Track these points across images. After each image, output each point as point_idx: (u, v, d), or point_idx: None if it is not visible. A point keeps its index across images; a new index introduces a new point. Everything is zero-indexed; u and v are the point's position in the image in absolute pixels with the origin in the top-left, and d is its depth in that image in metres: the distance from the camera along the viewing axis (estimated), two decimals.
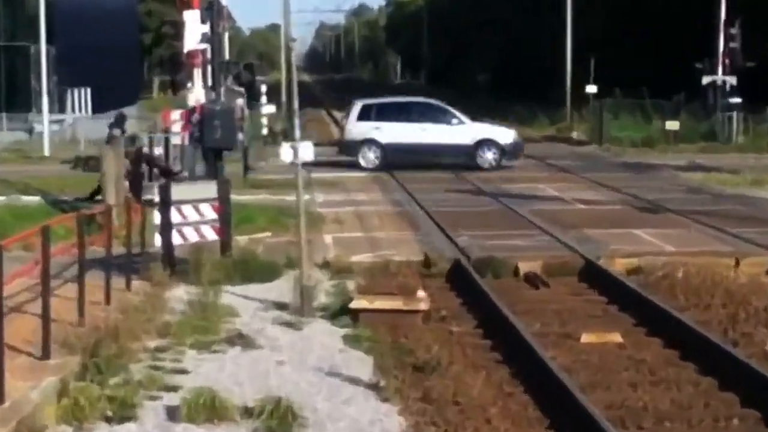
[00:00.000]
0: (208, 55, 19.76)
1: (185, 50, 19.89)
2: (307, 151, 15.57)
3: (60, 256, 13.80)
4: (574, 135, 50.35)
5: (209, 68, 19.92)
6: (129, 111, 67.38)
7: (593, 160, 38.96)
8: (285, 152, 15.67)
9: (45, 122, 44.16)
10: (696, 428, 9.98)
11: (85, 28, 64.61)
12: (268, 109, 43.58)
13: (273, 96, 49.28)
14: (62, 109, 51.89)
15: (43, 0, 44.63)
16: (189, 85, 19.75)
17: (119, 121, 27.93)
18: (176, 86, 21.48)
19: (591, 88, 50.77)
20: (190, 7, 19.44)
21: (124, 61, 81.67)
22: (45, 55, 45.06)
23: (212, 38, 19.73)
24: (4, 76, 55.96)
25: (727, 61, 44.96)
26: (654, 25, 62.92)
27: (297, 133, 15.59)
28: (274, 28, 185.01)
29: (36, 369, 10.42)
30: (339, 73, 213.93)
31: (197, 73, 19.85)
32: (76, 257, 13.73)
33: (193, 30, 19.59)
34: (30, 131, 48.92)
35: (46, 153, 41.58)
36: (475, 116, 65.48)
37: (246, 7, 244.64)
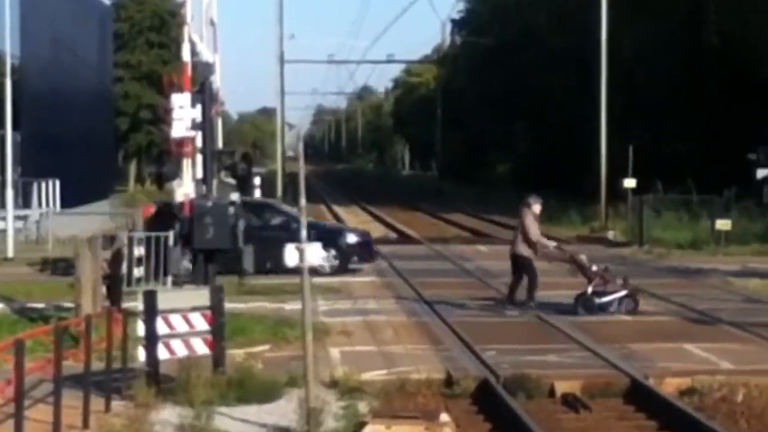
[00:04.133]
0: (199, 143, 19.87)
1: (173, 138, 20.02)
2: (315, 253, 15.59)
3: (31, 373, 13.74)
4: (611, 235, 50.39)
5: (199, 158, 20.05)
6: (101, 206, 68.20)
7: (633, 264, 38.91)
8: (290, 255, 15.66)
9: (9, 219, 44.08)
10: None
11: (54, 113, 65.17)
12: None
13: (266, 189, 49.47)
14: (27, 204, 51.89)
15: (9, 81, 45.14)
16: (177, 179, 19.91)
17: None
18: (162, 179, 21.59)
19: (629, 182, 50.65)
20: (180, 90, 19.58)
21: (97, 150, 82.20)
22: (12, 142, 45.43)
23: (204, 125, 19.82)
24: None
25: None
26: (700, 110, 63.43)
27: (303, 233, 15.59)
28: (265, 112, 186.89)
29: None
30: (339, 162, 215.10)
31: (186, 164, 19.95)
32: (46, 373, 13.72)
33: (183, 115, 19.70)
34: None
35: (10, 254, 41.64)
36: (491, 212, 65.77)
37: (234, 89, 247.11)
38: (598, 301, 25.39)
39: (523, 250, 26.00)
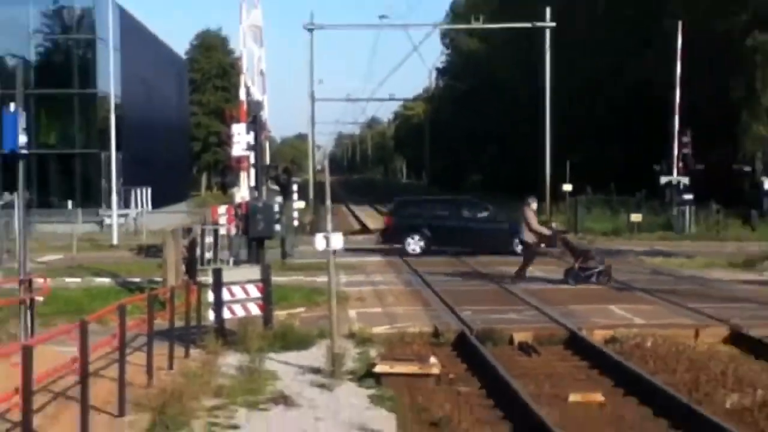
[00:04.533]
0: (252, 160, 19.92)
1: (233, 156, 20.07)
2: (337, 240, 15.63)
3: (131, 329, 13.77)
4: (554, 225, 49.79)
5: (252, 171, 20.09)
6: (180, 207, 68.33)
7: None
8: (319, 241, 15.69)
9: (114, 216, 44.39)
10: None
11: (146, 138, 65.32)
12: (298, 204, 43.68)
13: (301, 193, 49.39)
14: (127, 205, 52.22)
15: (113, 115, 45.26)
16: (236, 186, 19.96)
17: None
18: (225, 186, 21.62)
19: (567, 187, 50.76)
20: (238, 120, 19.66)
21: (177, 165, 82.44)
22: (116, 161, 45.65)
23: (255, 146, 19.85)
24: (79, 178, 56.80)
25: (680, 164, 45.49)
26: (620, 133, 63.36)
27: (329, 225, 15.62)
28: (301, 137, 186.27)
29: (114, 426, 10.36)
30: (354, 174, 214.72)
31: (243, 176, 20.00)
32: (145, 330, 13.79)
33: (240, 140, 19.75)
34: (100, 224, 49.19)
35: (115, 242, 41.72)
36: None
37: (277, 119, 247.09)
38: (583, 274, 25.16)
39: (528, 237, 25.94)
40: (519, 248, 31.99)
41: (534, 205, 26.51)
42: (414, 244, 34.30)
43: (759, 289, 24.10)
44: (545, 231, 26.80)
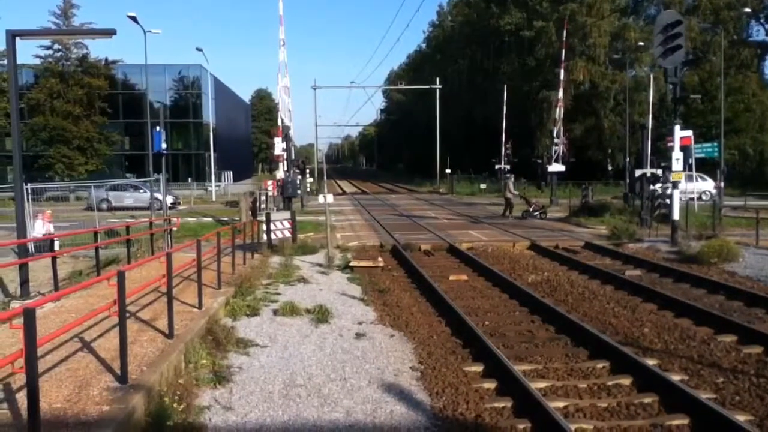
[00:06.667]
0: (285, 157, 19.63)
1: (276, 154, 19.76)
2: (330, 198, 15.52)
3: (223, 244, 13.52)
4: (441, 190, 50.41)
5: (285, 162, 19.81)
6: (247, 181, 67.42)
7: (448, 201, 39.01)
8: (321, 198, 15.58)
9: (213, 186, 43.70)
10: (499, 314, 9.98)
11: (229, 145, 64.23)
12: (309, 179, 43.30)
13: (311, 174, 49.00)
14: (219, 180, 51.36)
15: (212, 132, 44.32)
16: (277, 170, 19.69)
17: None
18: (271, 171, 21.30)
19: (448, 170, 51.15)
20: (276, 135, 19.35)
21: (245, 159, 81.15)
22: (213, 157, 44.74)
23: (287, 149, 19.57)
24: (194, 165, 55.78)
25: (505, 159, 45.82)
26: (475, 144, 63.27)
27: (325, 190, 15.50)
28: (310, 144, 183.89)
29: (215, 294, 10.21)
30: (338, 164, 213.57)
31: (281, 165, 19.71)
32: (230, 244, 13.59)
33: (278, 146, 19.42)
34: (206, 190, 48.34)
35: (213, 199, 41.01)
36: (397, 183, 64.33)
37: (298, 135, 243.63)
38: (534, 213, 24.34)
39: (508, 195, 24.92)
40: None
41: (512, 179, 24.76)
42: None
43: (545, 222, 24.29)
44: (515, 192, 25.54)
